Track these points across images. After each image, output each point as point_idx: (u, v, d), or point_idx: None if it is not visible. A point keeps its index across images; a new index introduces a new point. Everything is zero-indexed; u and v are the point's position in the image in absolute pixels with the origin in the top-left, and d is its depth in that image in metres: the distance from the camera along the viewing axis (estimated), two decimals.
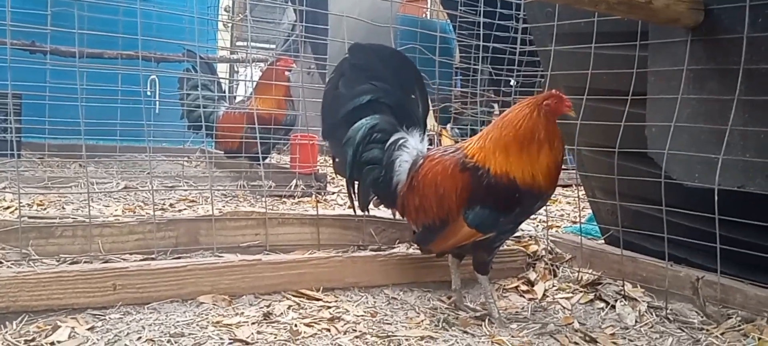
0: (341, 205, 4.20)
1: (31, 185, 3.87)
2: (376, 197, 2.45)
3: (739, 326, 2.18)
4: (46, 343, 1.84)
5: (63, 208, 3.50)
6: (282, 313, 2.16)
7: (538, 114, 2.11)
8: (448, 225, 2.23)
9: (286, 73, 4.45)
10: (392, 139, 2.36)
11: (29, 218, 2.56)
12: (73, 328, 1.93)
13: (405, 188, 2.33)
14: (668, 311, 2.36)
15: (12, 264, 2.23)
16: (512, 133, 2.12)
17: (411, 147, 2.35)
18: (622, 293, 2.51)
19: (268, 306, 2.20)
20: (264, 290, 2.31)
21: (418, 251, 2.48)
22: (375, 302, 2.37)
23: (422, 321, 2.20)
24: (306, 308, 2.23)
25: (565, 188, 5.25)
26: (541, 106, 2.11)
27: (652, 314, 2.36)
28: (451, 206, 2.21)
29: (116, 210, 3.48)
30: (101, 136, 5.03)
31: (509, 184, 2.11)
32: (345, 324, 2.11)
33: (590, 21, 2.52)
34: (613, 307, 2.43)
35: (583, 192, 3.09)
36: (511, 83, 4.57)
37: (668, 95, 2.33)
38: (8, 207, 3.31)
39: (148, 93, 5.30)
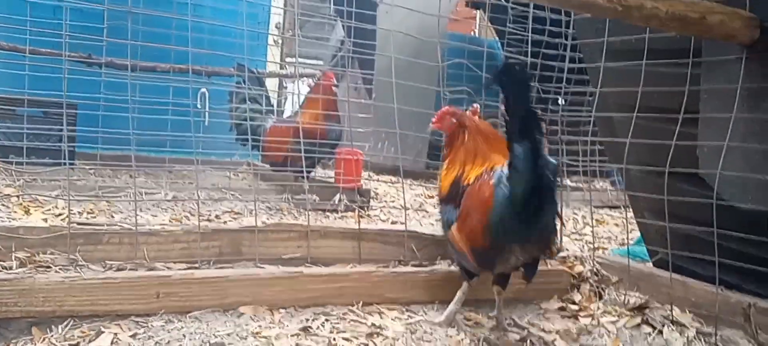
0: (384, 220, 4.19)
1: (82, 194, 3.96)
2: None
3: None
4: None
5: (112, 216, 3.56)
6: (321, 326, 2.16)
7: None
8: None
9: (333, 87, 4.47)
10: None
11: (78, 224, 2.61)
12: (115, 334, 1.96)
13: None
14: (718, 337, 2.27)
15: (60, 269, 2.28)
16: None
17: None
18: (670, 317, 2.44)
19: (307, 319, 2.20)
20: (304, 302, 2.31)
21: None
22: (415, 318, 2.35)
23: (462, 340, 2.16)
24: (345, 322, 2.22)
25: (612, 209, 5.16)
26: None
27: (700, 341, 2.28)
28: None
29: (163, 220, 3.53)
30: (152, 147, 5.11)
31: None
32: (384, 340, 2.09)
33: (641, 37, 2.47)
34: (661, 332, 2.36)
35: (632, 213, 3.02)
36: (559, 102, 4.51)
37: (721, 114, 2.26)
38: (59, 214, 3.38)
39: (198, 106, 5.38)
